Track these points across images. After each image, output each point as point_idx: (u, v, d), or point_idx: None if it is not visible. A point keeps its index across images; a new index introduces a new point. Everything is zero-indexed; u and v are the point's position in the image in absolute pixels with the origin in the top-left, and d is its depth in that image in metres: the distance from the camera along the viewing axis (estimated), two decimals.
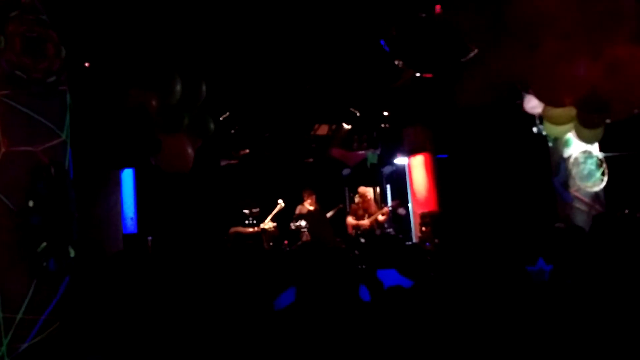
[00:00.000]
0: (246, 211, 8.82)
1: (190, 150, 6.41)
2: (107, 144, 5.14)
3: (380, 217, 9.37)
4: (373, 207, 9.57)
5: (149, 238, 8.07)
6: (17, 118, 3.19)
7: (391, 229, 9.50)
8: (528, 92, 6.07)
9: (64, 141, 3.39)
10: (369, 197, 9.58)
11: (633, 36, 4.75)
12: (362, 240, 8.66)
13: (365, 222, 9.32)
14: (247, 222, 8.79)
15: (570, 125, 6.46)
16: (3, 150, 3.11)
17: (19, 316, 2.94)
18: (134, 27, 5.50)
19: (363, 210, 9.44)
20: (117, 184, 7.00)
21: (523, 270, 2.92)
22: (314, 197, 9.31)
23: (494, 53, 5.19)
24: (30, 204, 3.07)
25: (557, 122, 6.54)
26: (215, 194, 9.58)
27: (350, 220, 9.49)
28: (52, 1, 3.47)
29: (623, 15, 4.64)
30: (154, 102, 5.46)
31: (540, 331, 2.39)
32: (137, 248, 7.26)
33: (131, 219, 7.97)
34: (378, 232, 9.20)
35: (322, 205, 9.50)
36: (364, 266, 4.19)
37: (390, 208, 9.66)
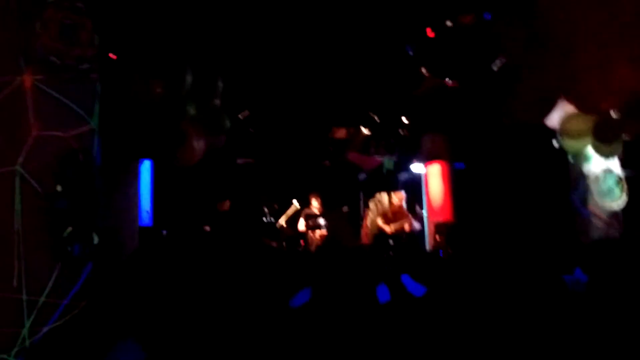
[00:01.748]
0: (266, 209, 8.83)
1: (196, 144, 6.33)
2: (134, 134, 5.16)
3: (406, 226, 9.28)
4: (404, 214, 9.44)
5: (164, 232, 8.10)
6: (49, 103, 3.23)
7: (406, 238, 9.44)
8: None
9: (93, 129, 3.43)
10: (400, 203, 9.44)
11: None
12: (391, 242, 8.56)
13: (391, 227, 9.21)
14: (264, 219, 8.79)
15: (587, 140, 6.42)
16: (34, 133, 3.14)
17: (42, 299, 2.96)
18: (162, 20, 5.54)
19: (393, 215, 9.32)
20: (136, 176, 7.03)
21: (559, 279, 2.91)
22: (319, 200, 9.25)
23: (535, 66, 5.18)
24: (59, 188, 3.10)
25: (573, 135, 6.51)
26: (230, 192, 9.60)
27: (378, 221, 9.35)
28: None
29: None
30: (158, 90, 5.43)
31: (571, 338, 2.38)
32: (155, 241, 7.28)
33: (147, 211, 8.01)
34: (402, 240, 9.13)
35: (329, 208, 9.45)
36: (389, 268, 4.18)
37: (414, 220, 9.55)
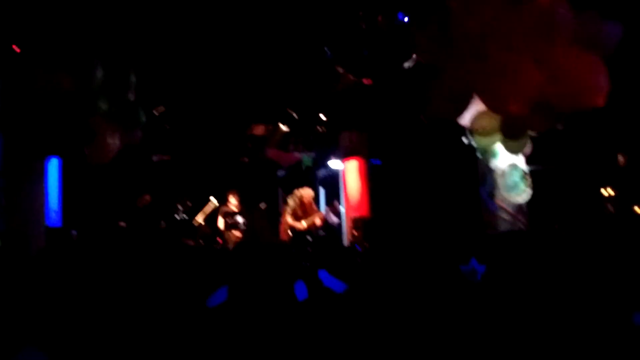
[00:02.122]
0: (179, 206, 8.66)
1: (111, 140, 6.14)
2: (38, 132, 4.92)
3: (318, 221, 9.33)
4: (313, 210, 9.49)
5: (74, 232, 7.79)
6: None
7: (323, 233, 9.54)
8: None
9: None
10: (309, 200, 9.47)
11: (571, 41, 5.00)
12: (310, 238, 8.59)
13: (303, 224, 9.24)
14: (177, 217, 8.62)
15: (496, 136, 6.71)
16: None
17: None
18: (69, 13, 5.31)
19: (302, 212, 9.33)
20: (41, 175, 6.71)
21: (456, 269, 3.03)
22: (238, 197, 9.17)
23: (450, 67, 5.35)
24: None
25: (482, 133, 6.79)
26: (145, 189, 9.35)
27: (288, 219, 9.37)
28: None
29: (559, 22, 4.89)
30: (67, 84, 5.20)
31: (472, 329, 2.49)
32: (62, 242, 6.98)
33: (55, 211, 7.66)
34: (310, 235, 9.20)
35: (248, 205, 9.39)
36: (307, 264, 4.22)
37: (327, 210, 9.68)
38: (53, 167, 7.47)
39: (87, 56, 5.81)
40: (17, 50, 4.91)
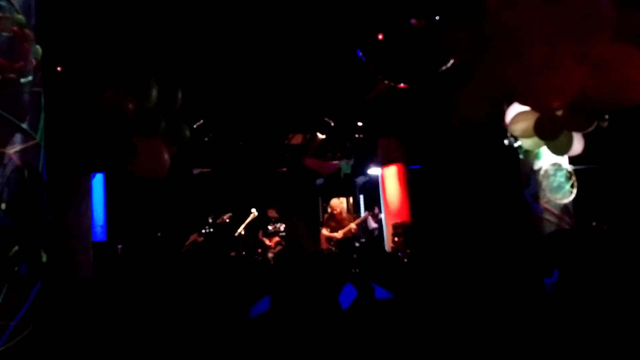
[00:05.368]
0: (210, 220, 8.75)
1: (166, 156, 6.33)
2: (81, 148, 5.04)
3: (353, 227, 9.36)
4: (346, 219, 9.52)
5: (119, 246, 7.95)
6: None
7: (363, 240, 9.50)
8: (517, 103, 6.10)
9: (38, 144, 3.31)
10: (339, 210, 9.53)
11: (613, 35, 4.84)
12: (357, 244, 8.61)
13: (339, 234, 9.28)
14: (204, 230, 8.70)
15: (535, 138, 6.56)
16: None
17: None
18: (110, 30, 5.43)
19: (336, 222, 9.39)
20: (88, 191, 6.88)
21: (539, 281, 2.95)
22: (276, 207, 9.28)
23: (483, 67, 5.25)
24: (2, 206, 2.98)
25: (520, 134, 6.67)
26: (186, 202, 9.49)
27: (324, 232, 9.45)
28: (28, 1, 3.40)
29: (601, 15, 4.74)
30: (130, 105, 5.38)
31: (540, 338, 2.42)
32: (108, 256, 7.13)
33: (101, 226, 7.84)
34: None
35: (287, 214, 9.46)
36: (357, 270, 4.18)
37: (362, 219, 9.67)
38: (98, 182, 7.66)
39: (143, 75, 5.96)
40: (59, 69, 5.06)
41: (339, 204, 9.67)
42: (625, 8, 4.89)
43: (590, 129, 6.14)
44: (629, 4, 4.94)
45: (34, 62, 3.27)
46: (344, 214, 9.62)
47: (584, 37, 4.84)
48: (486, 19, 5.01)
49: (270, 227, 8.86)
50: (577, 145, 6.65)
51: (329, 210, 9.62)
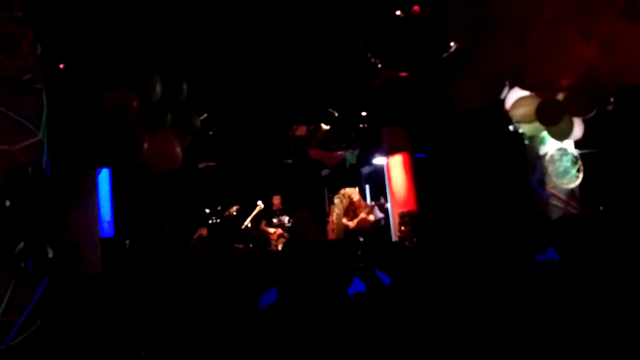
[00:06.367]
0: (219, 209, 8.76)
1: (178, 149, 6.38)
2: (85, 144, 5.06)
3: (371, 217, 9.41)
4: (362, 207, 9.56)
5: (127, 241, 7.98)
6: None
7: (373, 231, 9.52)
8: (518, 88, 6.04)
9: (41, 140, 3.33)
10: (358, 197, 9.59)
11: (621, 13, 4.78)
12: (361, 239, 8.65)
13: (353, 223, 9.33)
14: (210, 221, 8.73)
15: (537, 123, 6.52)
16: None
17: None
18: (111, 25, 5.43)
19: (353, 212, 9.44)
20: (94, 187, 6.90)
21: (531, 259, 2.94)
22: (281, 199, 9.28)
23: (484, 50, 5.19)
24: (7, 203, 3.01)
25: (521, 119, 6.63)
26: (193, 196, 9.52)
27: (344, 220, 9.49)
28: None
29: None
30: (134, 101, 5.39)
31: (544, 321, 2.41)
32: (115, 252, 7.16)
33: (108, 222, 7.86)
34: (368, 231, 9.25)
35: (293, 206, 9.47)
36: (362, 264, 4.19)
37: (373, 206, 9.68)
38: (104, 178, 7.68)
39: (146, 70, 5.98)
40: (62, 66, 5.08)
41: (356, 192, 9.73)
42: None
43: (591, 114, 6.09)
44: None
45: (33, 59, 3.29)
46: (362, 202, 9.66)
47: (591, 15, 4.78)
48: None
49: (275, 220, 8.87)
50: (577, 130, 6.61)
51: (344, 200, 9.62)
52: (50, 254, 3.14)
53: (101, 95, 5.42)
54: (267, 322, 3.02)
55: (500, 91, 5.89)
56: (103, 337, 3.26)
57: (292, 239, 8.52)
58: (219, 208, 8.79)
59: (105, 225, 7.60)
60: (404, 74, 6.94)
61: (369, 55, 6.52)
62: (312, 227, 8.94)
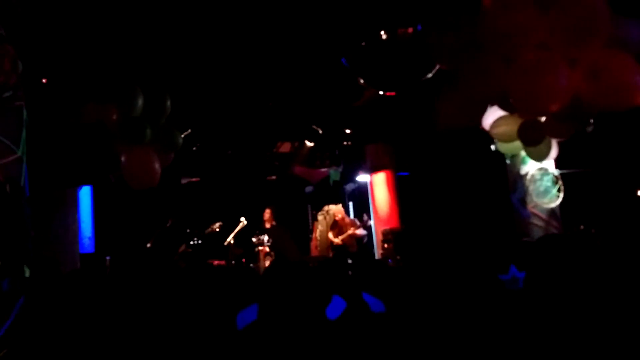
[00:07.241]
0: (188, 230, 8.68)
1: (157, 165, 6.27)
2: (65, 161, 5.01)
3: (359, 232, 9.34)
4: (348, 224, 9.51)
5: (107, 257, 7.90)
6: None
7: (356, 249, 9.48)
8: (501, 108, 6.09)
9: (20, 158, 3.29)
10: (341, 216, 9.51)
11: (607, 41, 4.86)
12: (350, 260, 8.59)
13: (338, 239, 9.28)
14: (191, 242, 8.64)
15: (517, 142, 6.58)
16: None
17: None
18: (94, 39, 5.42)
19: (338, 229, 9.38)
20: (75, 202, 6.84)
21: (495, 279, 2.96)
22: (270, 211, 9.17)
23: (469, 71, 5.24)
24: None
25: (502, 139, 6.68)
26: (175, 212, 9.44)
27: (330, 236, 9.42)
28: (8, 15, 3.38)
29: (597, 21, 4.76)
30: (113, 116, 5.36)
31: (517, 337, 2.43)
32: (94, 267, 7.08)
33: (89, 238, 7.79)
34: (354, 249, 9.19)
35: (281, 222, 9.40)
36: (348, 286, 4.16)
37: (360, 224, 9.62)
38: (85, 194, 7.63)
39: (128, 84, 5.95)
40: (44, 81, 5.05)
41: (340, 209, 9.66)
42: (619, 18, 4.93)
43: (569, 137, 6.17)
44: (622, 14, 4.98)
45: (14, 77, 3.26)
46: (347, 219, 9.60)
47: (579, 42, 4.86)
48: (480, 22, 5.00)
49: (254, 239, 8.80)
50: (552, 151, 6.69)
51: (328, 218, 9.59)
52: (27, 273, 3.10)
53: (80, 110, 5.37)
54: (245, 342, 3.00)
55: (484, 111, 5.96)
56: (80, 355, 3.21)
57: (274, 258, 8.49)
58: (200, 228, 8.73)
59: (86, 241, 7.53)
60: (390, 93, 6.99)
61: (353, 74, 6.56)
62: (290, 245, 8.89)
